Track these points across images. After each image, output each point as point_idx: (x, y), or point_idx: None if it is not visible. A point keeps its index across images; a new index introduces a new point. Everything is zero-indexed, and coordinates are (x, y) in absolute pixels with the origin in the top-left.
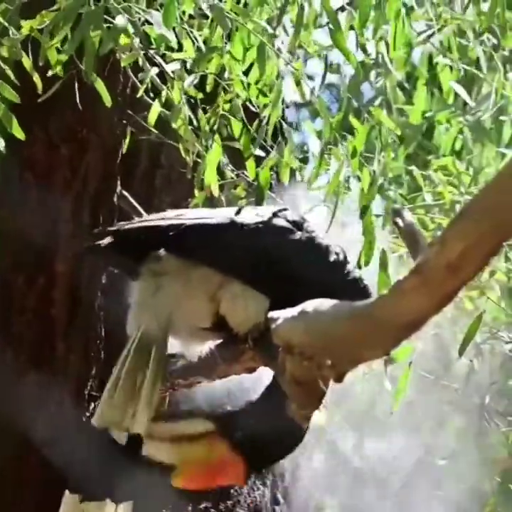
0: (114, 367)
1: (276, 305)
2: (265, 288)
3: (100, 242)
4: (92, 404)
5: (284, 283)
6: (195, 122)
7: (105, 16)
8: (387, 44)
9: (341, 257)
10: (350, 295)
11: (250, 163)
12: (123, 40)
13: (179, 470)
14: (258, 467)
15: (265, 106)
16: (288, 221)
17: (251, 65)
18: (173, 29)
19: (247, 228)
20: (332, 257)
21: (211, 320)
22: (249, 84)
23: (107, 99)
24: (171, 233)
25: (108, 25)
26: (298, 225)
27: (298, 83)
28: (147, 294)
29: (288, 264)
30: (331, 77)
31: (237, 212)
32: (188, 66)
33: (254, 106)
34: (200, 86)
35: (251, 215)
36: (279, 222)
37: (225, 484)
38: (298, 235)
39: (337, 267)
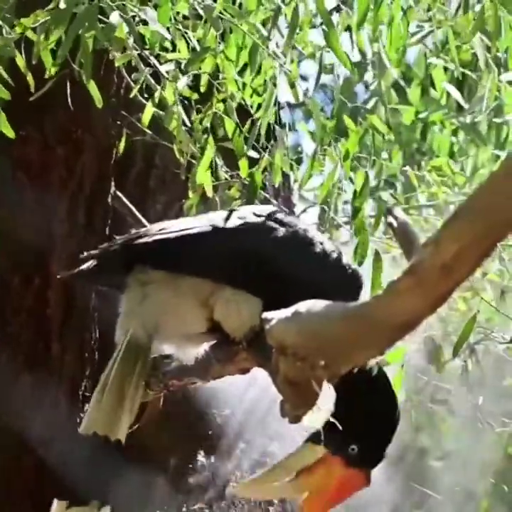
0: (102, 374)
1: (270, 304)
2: (257, 289)
3: (85, 267)
4: (86, 405)
5: (275, 281)
6: (188, 123)
7: (100, 17)
8: (383, 44)
9: (327, 246)
10: (341, 284)
11: (243, 164)
12: (118, 37)
13: (305, 505)
14: (378, 461)
15: (259, 107)
16: (270, 219)
17: (245, 66)
18: (168, 29)
19: (228, 232)
20: (318, 249)
21: (206, 326)
22: (244, 85)
23: (99, 100)
24: (152, 252)
25: (102, 25)
26: (280, 222)
27: (292, 85)
28: (134, 302)
29: (275, 261)
30: (325, 78)
31: (227, 216)
32: (182, 67)
33: (247, 106)
34: (195, 87)
35: (233, 218)
36: (260, 220)
37: (352, 495)
38: (281, 231)
39: (324, 257)
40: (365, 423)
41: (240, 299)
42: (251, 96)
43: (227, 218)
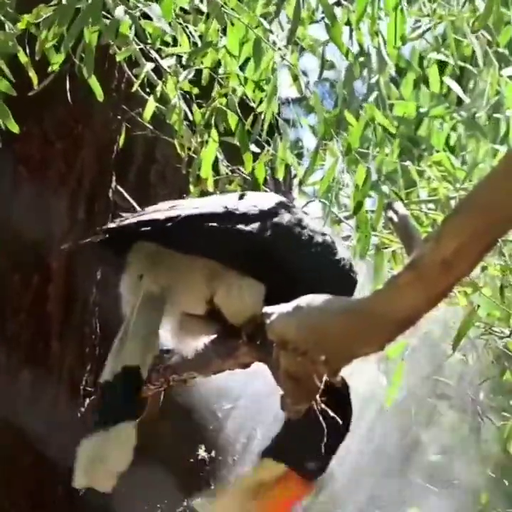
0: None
1: (273, 293)
2: (262, 275)
3: (95, 238)
4: (87, 400)
5: (280, 269)
6: (190, 117)
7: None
8: (383, 38)
9: (328, 238)
10: (337, 279)
11: (247, 157)
12: (122, 32)
13: None
14: (323, 471)
15: (261, 101)
16: (281, 207)
17: (247, 60)
18: (169, 24)
19: (239, 215)
20: (320, 238)
21: (205, 308)
22: (245, 79)
23: (100, 94)
24: (168, 225)
25: (105, 20)
26: (290, 211)
27: (295, 78)
28: (144, 267)
29: (282, 249)
30: (325, 73)
31: (239, 198)
32: (184, 61)
33: (249, 101)
34: (197, 81)
35: (245, 203)
36: (272, 207)
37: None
38: (289, 219)
39: (327, 248)
40: (315, 436)
41: (243, 283)
42: (253, 91)
43: (239, 201)
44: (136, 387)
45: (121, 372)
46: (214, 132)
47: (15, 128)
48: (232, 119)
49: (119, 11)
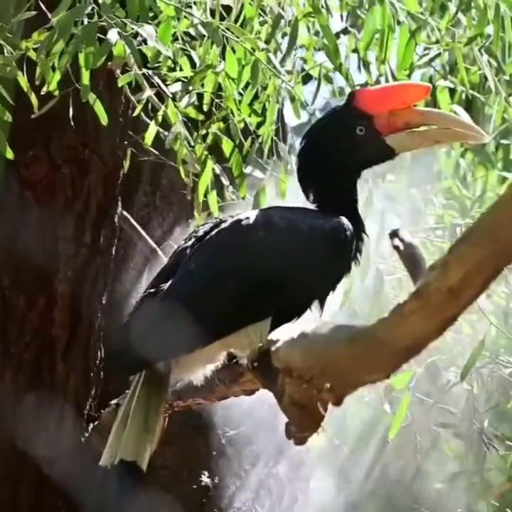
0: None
1: (280, 316)
2: (269, 312)
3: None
4: (91, 425)
5: (285, 294)
6: (192, 143)
7: (100, 35)
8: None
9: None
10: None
11: (242, 184)
12: (116, 54)
13: None
14: None
15: (260, 125)
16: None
17: (248, 84)
18: (171, 49)
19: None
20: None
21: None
22: (240, 103)
23: (104, 118)
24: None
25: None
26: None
27: (293, 99)
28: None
29: (283, 276)
30: (335, 100)
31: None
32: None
33: (251, 125)
34: (199, 107)
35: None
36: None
37: None
38: (260, 233)
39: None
40: None
41: (251, 327)
42: (249, 115)
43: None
44: (132, 481)
45: (118, 465)
46: (209, 161)
47: (10, 154)
48: (227, 145)
49: (112, 34)
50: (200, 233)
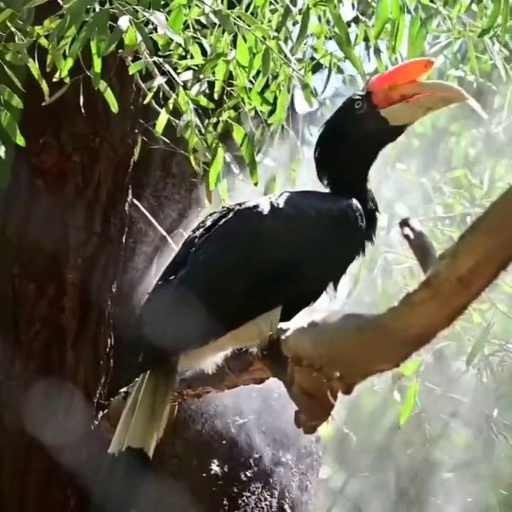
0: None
1: (291, 304)
2: (279, 300)
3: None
4: (101, 413)
5: (296, 281)
6: (203, 130)
7: (112, 23)
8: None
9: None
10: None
11: (254, 172)
12: (128, 41)
13: None
14: None
15: (271, 113)
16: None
17: (259, 72)
18: (182, 36)
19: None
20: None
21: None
22: (251, 91)
23: (115, 106)
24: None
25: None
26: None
27: (305, 86)
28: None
29: (293, 263)
30: (345, 87)
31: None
32: (196, 73)
33: (259, 113)
34: (210, 95)
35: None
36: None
37: None
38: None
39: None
40: None
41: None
42: (261, 104)
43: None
44: (140, 468)
45: (126, 452)
46: (220, 149)
47: (21, 141)
48: (239, 133)
49: (123, 21)
50: (208, 223)
